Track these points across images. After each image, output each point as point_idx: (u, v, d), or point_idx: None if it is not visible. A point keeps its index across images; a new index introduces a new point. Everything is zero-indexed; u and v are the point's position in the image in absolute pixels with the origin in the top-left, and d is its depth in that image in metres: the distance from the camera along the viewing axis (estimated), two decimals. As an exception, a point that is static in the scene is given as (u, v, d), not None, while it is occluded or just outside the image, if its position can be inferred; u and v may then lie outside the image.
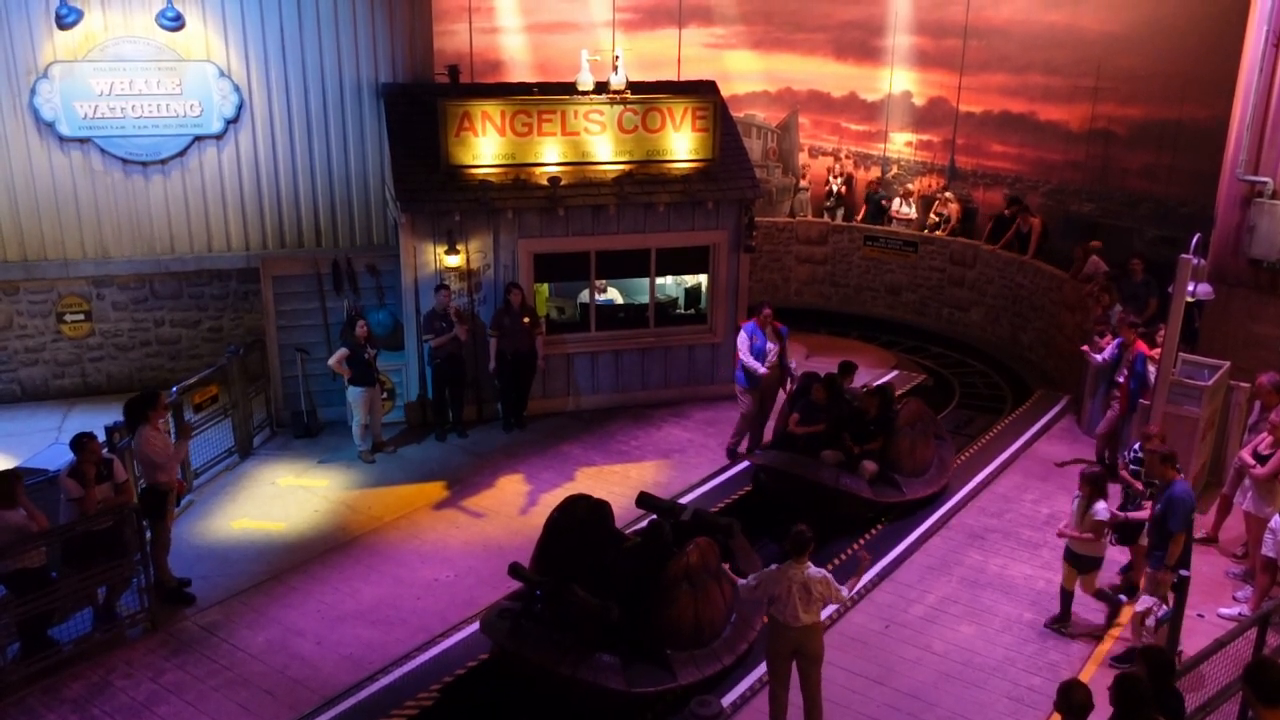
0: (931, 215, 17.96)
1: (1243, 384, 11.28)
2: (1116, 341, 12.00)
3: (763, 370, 11.92)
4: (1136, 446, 9.24)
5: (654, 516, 9.24)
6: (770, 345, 12.09)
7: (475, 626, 8.98)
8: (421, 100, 13.25)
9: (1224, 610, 9.34)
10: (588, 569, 8.20)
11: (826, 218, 18.88)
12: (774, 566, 7.42)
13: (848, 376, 11.59)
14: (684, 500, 10.74)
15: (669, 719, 7.97)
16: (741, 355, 12.06)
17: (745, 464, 12.03)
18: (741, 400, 12.29)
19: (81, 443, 8.76)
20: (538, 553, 8.52)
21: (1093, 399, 13.06)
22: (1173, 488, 8.42)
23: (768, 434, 12.11)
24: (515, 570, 8.07)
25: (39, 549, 8.36)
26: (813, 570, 7.34)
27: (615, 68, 13.43)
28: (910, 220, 18.22)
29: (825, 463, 10.81)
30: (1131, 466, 9.37)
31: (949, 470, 11.74)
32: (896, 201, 18.46)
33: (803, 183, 19.29)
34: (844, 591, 7.45)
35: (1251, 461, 9.56)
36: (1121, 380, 11.70)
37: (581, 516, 8.61)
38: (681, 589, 8.02)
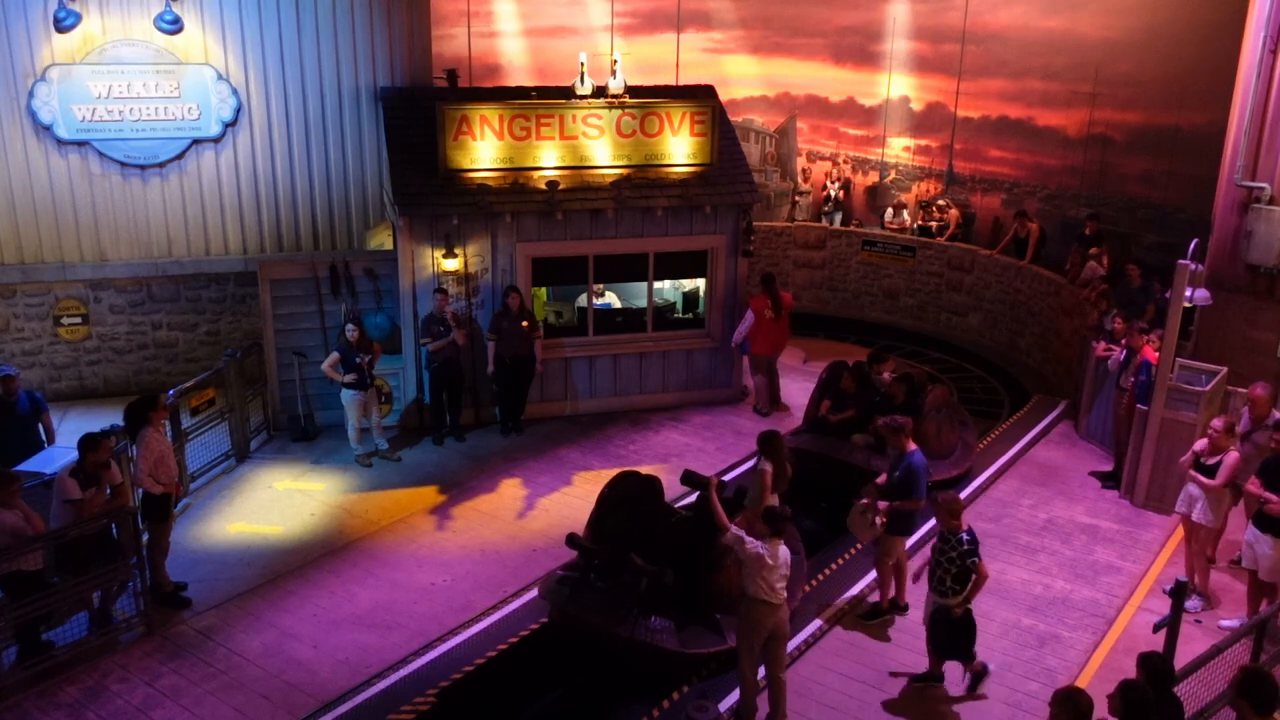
0: (928, 220, 17.96)
1: (1240, 389, 11.26)
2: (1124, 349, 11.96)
3: (738, 338, 13.55)
4: (965, 534, 8.16)
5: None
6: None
7: (473, 630, 9.04)
8: (420, 104, 13.24)
9: (1224, 621, 9.24)
10: (640, 540, 8.62)
11: (825, 222, 18.91)
12: (753, 542, 7.67)
13: (876, 365, 12.14)
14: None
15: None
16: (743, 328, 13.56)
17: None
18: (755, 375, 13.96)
19: (96, 441, 8.78)
20: (591, 525, 8.97)
21: (1092, 404, 13.06)
22: (910, 457, 8.89)
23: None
24: (573, 540, 8.60)
25: (37, 552, 8.35)
26: (785, 551, 7.58)
27: (614, 72, 13.43)
28: (904, 228, 18.22)
29: (856, 445, 11.38)
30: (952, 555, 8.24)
31: (973, 453, 12.29)
32: (889, 212, 18.47)
33: (804, 185, 19.31)
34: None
35: (1202, 477, 9.34)
36: (1127, 386, 11.68)
37: (633, 492, 9.03)
38: (730, 557, 8.34)
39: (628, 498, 8.99)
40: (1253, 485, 8.96)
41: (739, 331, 13.63)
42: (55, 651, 8.54)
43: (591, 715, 8.38)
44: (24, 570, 8.25)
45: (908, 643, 8.99)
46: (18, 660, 8.34)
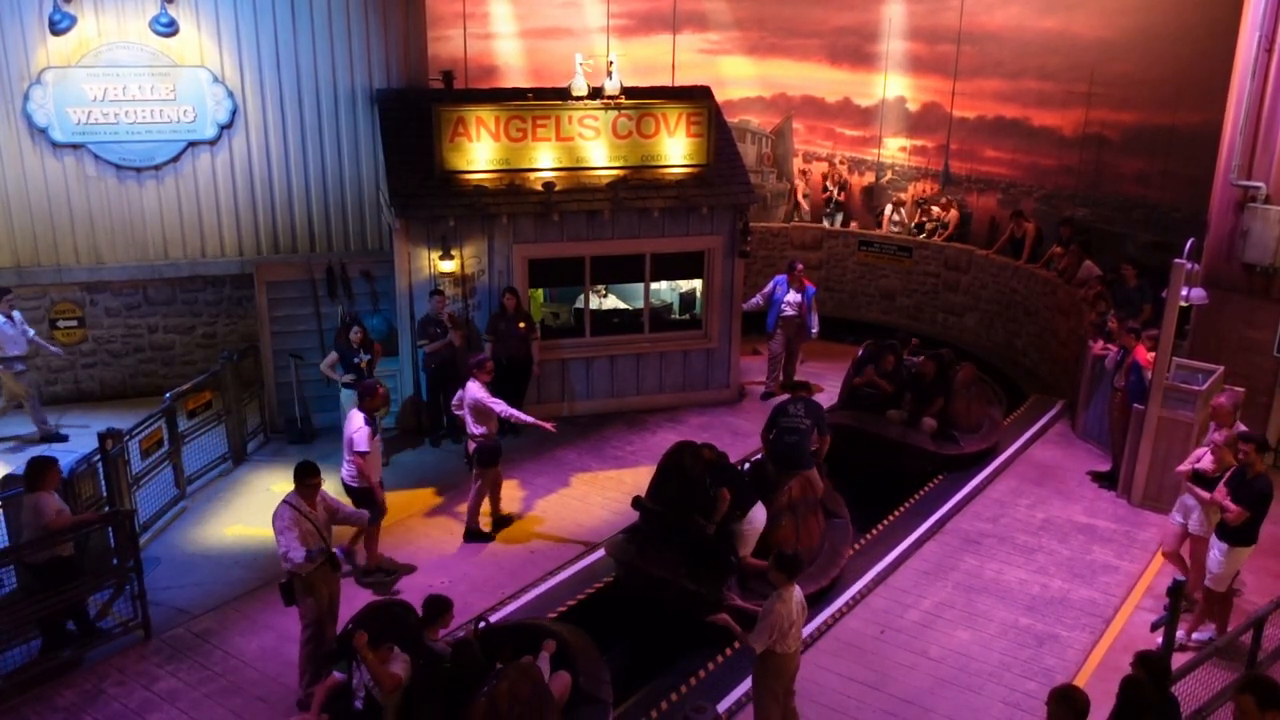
0: (924, 219, 17.97)
1: (1236, 389, 11.25)
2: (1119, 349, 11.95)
3: (748, 305, 14.36)
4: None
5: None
6: (793, 295, 14.26)
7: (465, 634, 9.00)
8: (416, 105, 13.23)
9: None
10: (697, 504, 9.14)
11: (825, 224, 18.89)
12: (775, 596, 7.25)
13: (907, 346, 12.99)
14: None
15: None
16: (756, 296, 14.58)
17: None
18: (772, 343, 14.54)
19: (374, 389, 9.91)
20: (651, 490, 9.67)
21: (1089, 404, 13.07)
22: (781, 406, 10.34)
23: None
24: (638, 502, 9.49)
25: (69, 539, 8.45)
26: (799, 591, 7.42)
27: (610, 73, 13.44)
28: (901, 227, 18.23)
29: (891, 420, 12.11)
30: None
31: (999, 429, 12.99)
32: (888, 208, 18.48)
33: (805, 189, 19.27)
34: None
35: (1199, 490, 9.11)
36: (1120, 386, 11.68)
37: (688, 461, 9.53)
38: (785, 517, 9.36)
39: (684, 465, 9.51)
40: (1219, 494, 8.77)
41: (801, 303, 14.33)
42: (71, 644, 8.55)
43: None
44: (61, 555, 8.35)
45: (904, 642, 9.00)
46: (42, 650, 8.41)
